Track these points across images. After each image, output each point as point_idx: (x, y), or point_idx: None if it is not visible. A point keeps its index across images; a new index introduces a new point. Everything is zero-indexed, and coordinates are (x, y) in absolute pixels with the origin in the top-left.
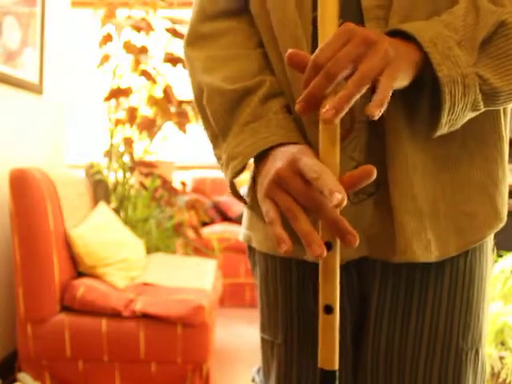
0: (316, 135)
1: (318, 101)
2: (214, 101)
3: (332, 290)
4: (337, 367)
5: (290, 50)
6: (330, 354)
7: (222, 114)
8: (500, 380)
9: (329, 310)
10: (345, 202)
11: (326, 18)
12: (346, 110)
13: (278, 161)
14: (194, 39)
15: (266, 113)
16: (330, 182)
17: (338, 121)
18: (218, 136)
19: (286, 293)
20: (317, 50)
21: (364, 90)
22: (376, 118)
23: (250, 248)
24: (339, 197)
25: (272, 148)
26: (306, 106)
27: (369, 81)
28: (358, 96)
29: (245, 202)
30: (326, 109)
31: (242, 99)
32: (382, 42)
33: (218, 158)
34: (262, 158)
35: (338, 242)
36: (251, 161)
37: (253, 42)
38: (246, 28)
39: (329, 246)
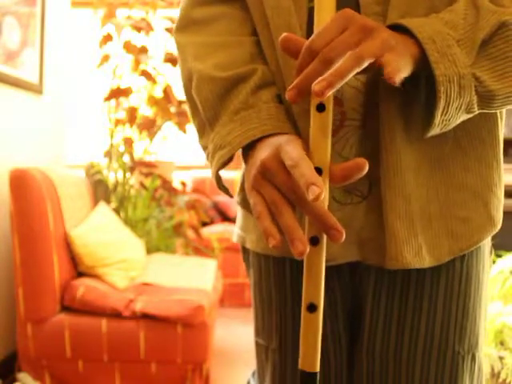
0: (307, 125)
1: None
2: (205, 88)
3: (316, 288)
4: (317, 369)
5: (284, 34)
6: (311, 355)
7: (212, 102)
8: (500, 380)
9: (312, 308)
10: (322, 196)
11: (322, 8)
12: (340, 84)
13: (264, 151)
14: (186, 24)
15: (256, 102)
16: (307, 172)
17: (330, 94)
18: (205, 125)
19: (279, 294)
20: (313, 35)
21: (361, 68)
22: (397, 82)
23: (245, 249)
24: (316, 190)
25: (261, 138)
26: (298, 93)
27: (368, 57)
28: (354, 72)
29: (230, 195)
30: (318, 80)
31: (233, 87)
32: (380, 31)
33: (204, 148)
34: (250, 148)
35: (325, 237)
36: (239, 151)
37: (246, 28)
38: (240, 14)
39: (315, 241)
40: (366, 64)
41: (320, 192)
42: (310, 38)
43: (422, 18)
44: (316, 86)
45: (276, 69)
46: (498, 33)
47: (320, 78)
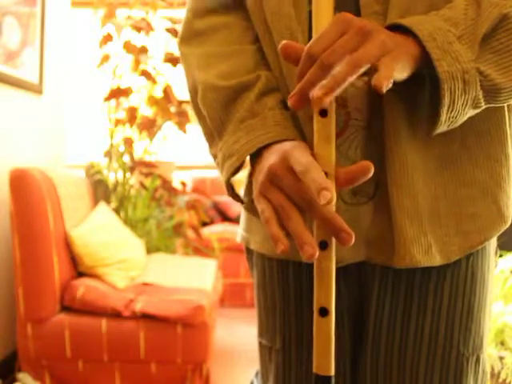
0: (313, 130)
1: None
2: (209, 97)
3: (327, 292)
4: (332, 373)
5: (283, 42)
6: (326, 358)
7: (217, 111)
8: (500, 380)
9: (324, 312)
10: (334, 201)
11: (320, 11)
12: (339, 91)
13: (272, 157)
14: (189, 36)
15: (262, 109)
16: (318, 178)
17: (330, 100)
18: (213, 134)
19: (283, 296)
20: (311, 41)
21: (360, 72)
22: (383, 91)
23: (248, 250)
24: (328, 195)
25: (268, 145)
26: (300, 100)
27: (365, 63)
28: (352, 78)
29: (242, 202)
30: (317, 87)
31: (238, 96)
32: (379, 33)
33: (214, 157)
34: (257, 155)
35: (334, 241)
36: (247, 159)
37: (248, 37)
38: (242, 23)
39: (324, 246)
40: (363, 70)
41: (331, 197)
42: (309, 44)
43: (421, 16)
44: (315, 93)
45: (279, 75)
46: (500, 26)
47: (318, 86)
